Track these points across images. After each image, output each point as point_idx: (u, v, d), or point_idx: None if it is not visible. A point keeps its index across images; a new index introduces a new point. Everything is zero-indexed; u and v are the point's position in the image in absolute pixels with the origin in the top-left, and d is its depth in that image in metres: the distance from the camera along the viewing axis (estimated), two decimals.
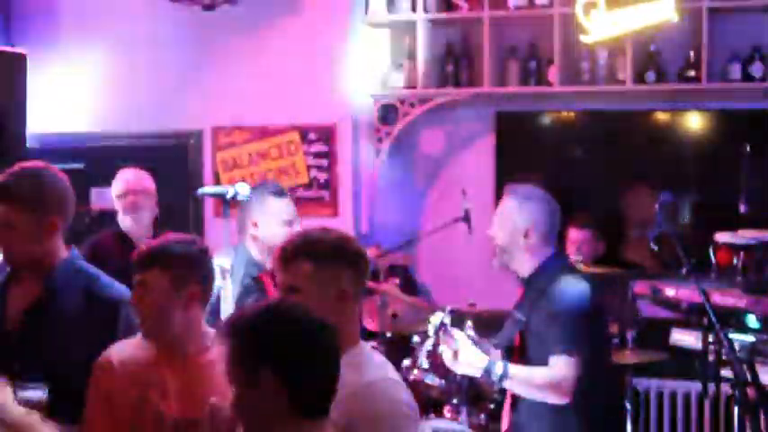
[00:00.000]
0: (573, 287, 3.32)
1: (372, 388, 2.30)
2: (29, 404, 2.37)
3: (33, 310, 2.82)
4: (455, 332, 3.43)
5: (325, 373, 2.05)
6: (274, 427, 2.02)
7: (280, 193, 3.94)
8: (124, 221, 4.68)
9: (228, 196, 3.57)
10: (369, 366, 2.37)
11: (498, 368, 3.30)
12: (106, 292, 2.88)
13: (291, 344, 2.01)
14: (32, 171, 2.85)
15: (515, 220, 3.40)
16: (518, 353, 3.43)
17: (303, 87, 5.65)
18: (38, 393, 2.54)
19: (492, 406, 4.37)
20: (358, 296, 2.44)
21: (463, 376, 3.85)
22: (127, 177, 4.73)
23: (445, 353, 3.41)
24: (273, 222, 3.85)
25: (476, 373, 3.36)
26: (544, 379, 3.27)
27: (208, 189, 4.07)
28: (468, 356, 3.36)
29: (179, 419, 2.54)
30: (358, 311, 2.47)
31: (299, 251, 2.38)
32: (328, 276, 2.36)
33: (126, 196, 4.65)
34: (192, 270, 2.63)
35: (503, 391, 3.61)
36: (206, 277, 2.68)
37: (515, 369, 3.31)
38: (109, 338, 2.74)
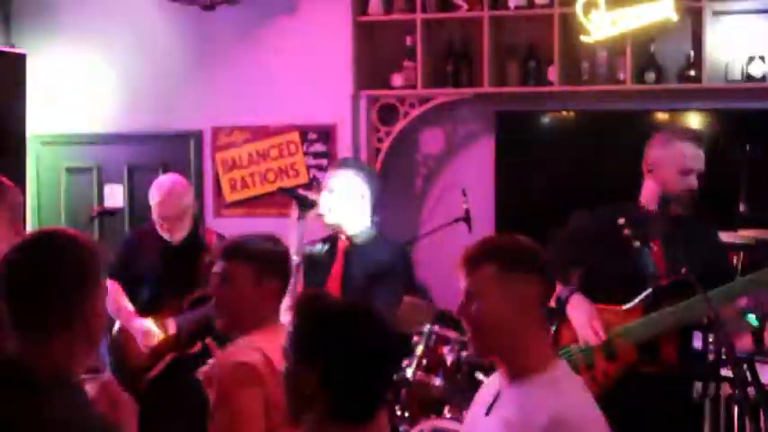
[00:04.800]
0: None
1: (571, 414, 2.14)
2: None
3: None
4: None
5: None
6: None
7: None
8: (159, 229, 4.66)
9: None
10: (563, 391, 2.20)
11: None
12: None
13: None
14: None
15: None
16: None
17: (303, 87, 5.65)
18: None
19: None
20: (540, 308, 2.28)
21: (463, 376, 3.86)
22: (160, 198, 4.55)
23: None
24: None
25: None
26: None
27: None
28: None
29: None
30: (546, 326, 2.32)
31: (482, 255, 2.24)
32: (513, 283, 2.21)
33: (158, 215, 4.59)
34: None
35: None
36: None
37: None
38: None
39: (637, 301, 3.47)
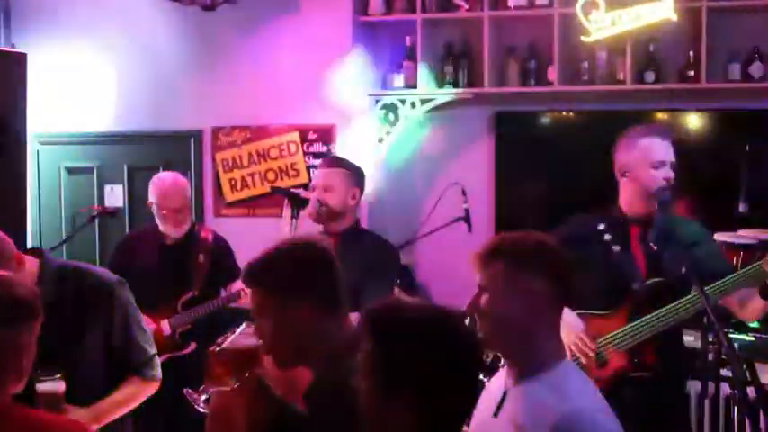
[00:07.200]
0: None
1: (580, 416, 2.11)
2: (48, 396, 2.57)
3: None
4: None
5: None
6: None
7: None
8: (161, 225, 4.64)
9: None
10: (571, 391, 2.18)
11: None
12: (95, 279, 2.94)
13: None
14: None
15: None
16: None
17: (303, 87, 5.65)
18: (55, 385, 2.63)
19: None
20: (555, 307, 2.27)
21: None
22: (164, 191, 4.56)
23: None
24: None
25: None
26: None
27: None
28: None
29: None
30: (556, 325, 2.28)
31: (492, 252, 2.26)
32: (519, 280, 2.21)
33: (160, 209, 4.59)
34: None
35: None
36: None
37: None
38: (106, 321, 2.89)
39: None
